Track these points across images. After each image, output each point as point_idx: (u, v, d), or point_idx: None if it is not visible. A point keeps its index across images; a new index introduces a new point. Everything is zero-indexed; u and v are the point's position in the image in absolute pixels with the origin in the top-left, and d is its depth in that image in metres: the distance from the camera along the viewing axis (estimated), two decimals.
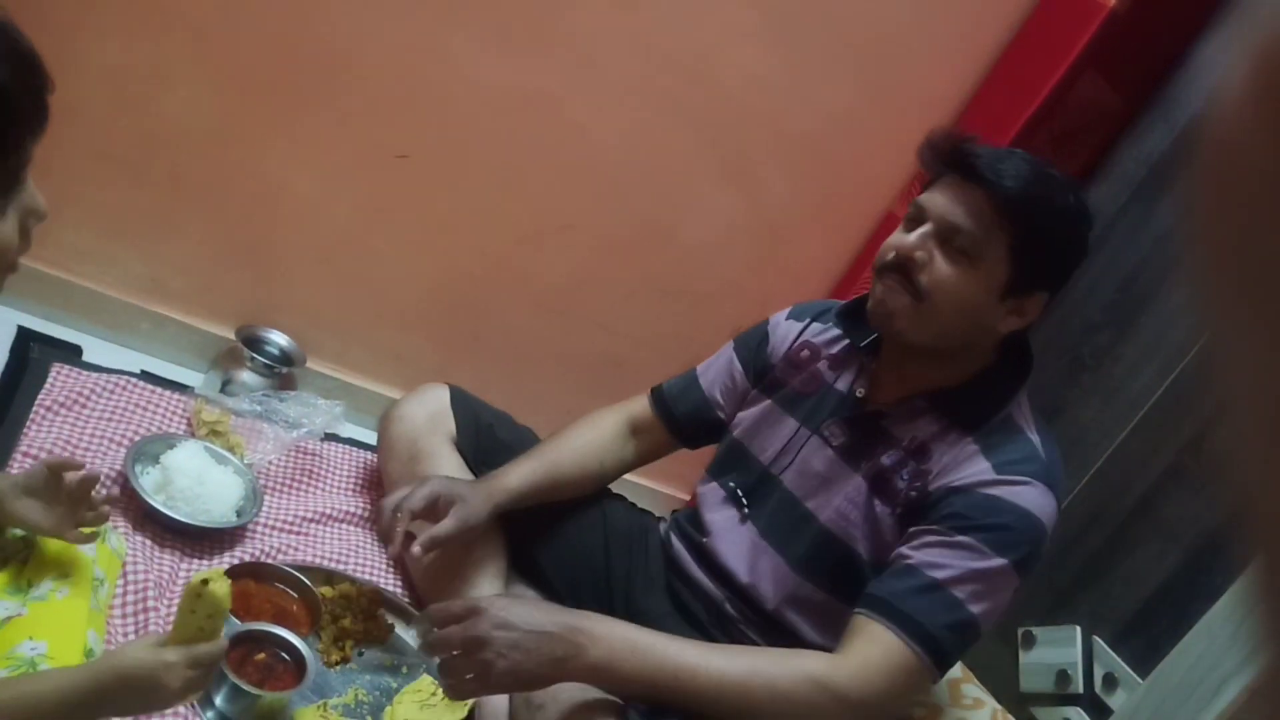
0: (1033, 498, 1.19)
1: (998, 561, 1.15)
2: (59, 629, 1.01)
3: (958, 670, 1.50)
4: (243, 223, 1.80)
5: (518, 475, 1.44)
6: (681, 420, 1.55)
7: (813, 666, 1.15)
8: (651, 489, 2.18)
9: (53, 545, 1.11)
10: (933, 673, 1.15)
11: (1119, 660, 1.50)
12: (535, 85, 1.79)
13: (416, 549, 1.31)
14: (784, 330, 1.50)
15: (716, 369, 1.55)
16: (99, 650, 1.06)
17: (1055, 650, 1.61)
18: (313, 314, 1.91)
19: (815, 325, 1.46)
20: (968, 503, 1.19)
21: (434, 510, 1.36)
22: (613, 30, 1.77)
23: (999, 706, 1.45)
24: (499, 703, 1.32)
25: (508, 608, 1.13)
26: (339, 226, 1.85)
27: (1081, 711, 1.51)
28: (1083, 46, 1.81)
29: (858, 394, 1.34)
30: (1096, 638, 1.56)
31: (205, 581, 0.91)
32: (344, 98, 1.73)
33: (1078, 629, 1.58)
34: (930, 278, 1.21)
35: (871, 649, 1.14)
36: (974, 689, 1.47)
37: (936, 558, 1.17)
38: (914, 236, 1.23)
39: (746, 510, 1.41)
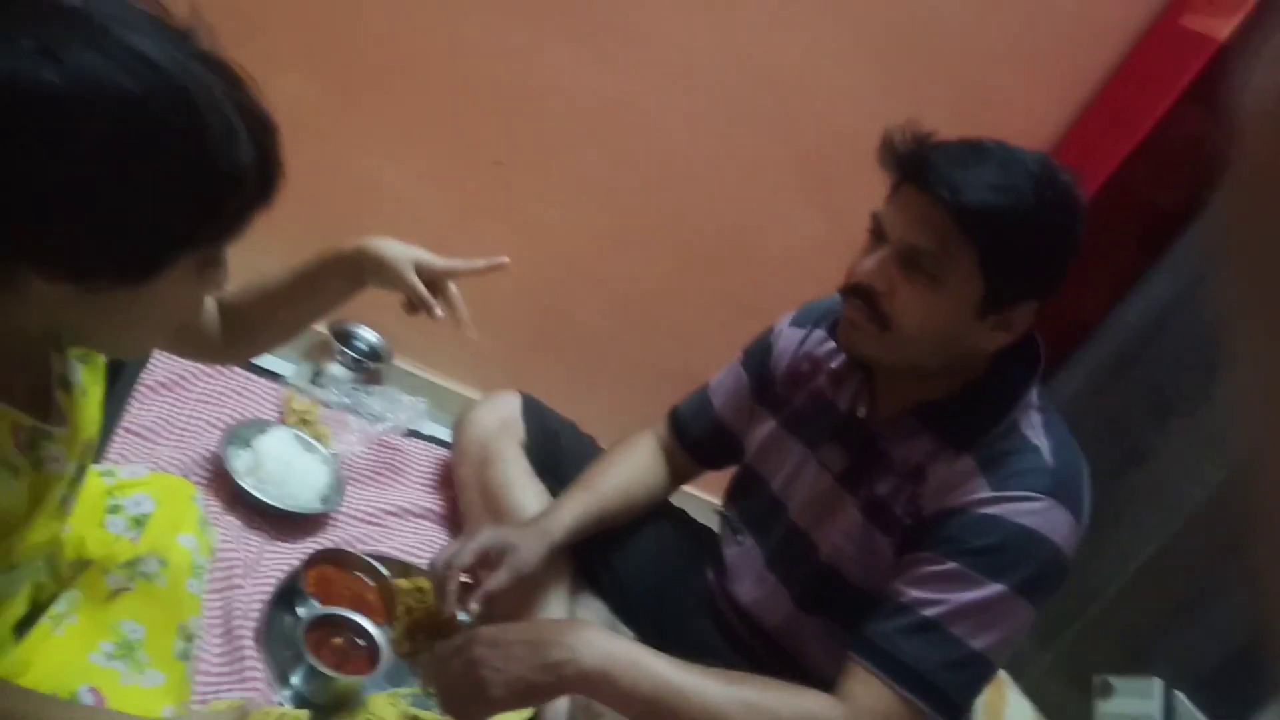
0: (1036, 513, 1.09)
1: (994, 588, 1.07)
2: (159, 616, 1.06)
3: (1030, 715, 1.47)
4: (339, 218, 1.84)
5: (568, 513, 1.40)
6: (698, 445, 1.53)
7: (810, 708, 1.09)
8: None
9: (161, 531, 1.16)
10: (936, 717, 1.08)
11: (1201, 716, 1.45)
12: (627, 96, 1.81)
13: (474, 606, 1.26)
14: (786, 340, 1.43)
15: (726, 387, 1.50)
16: (196, 635, 1.11)
17: (1134, 701, 1.55)
18: (400, 312, 1.95)
19: (817, 333, 1.39)
20: (960, 524, 1.11)
21: (486, 561, 1.30)
22: (706, 42, 1.78)
23: None
24: (558, 709, 1.32)
25: (500, 629, 1.12)
26: (430, 227, 1.88)
27: None
28: (1190, 81, 1.77)
29: (858, 414, 1.27)
30: (1179, 693, 1.50)
31: None
32: (442, 101, 1.78)
33: (1158, 681, 1.53)
34: (893, 305, 1.12)
35: (864, 696, 1.08)
36: None
37: (927, 592, 1.09)
38: (873, 261, 1.13)
39: (740, 540, 1.39)
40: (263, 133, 0.73)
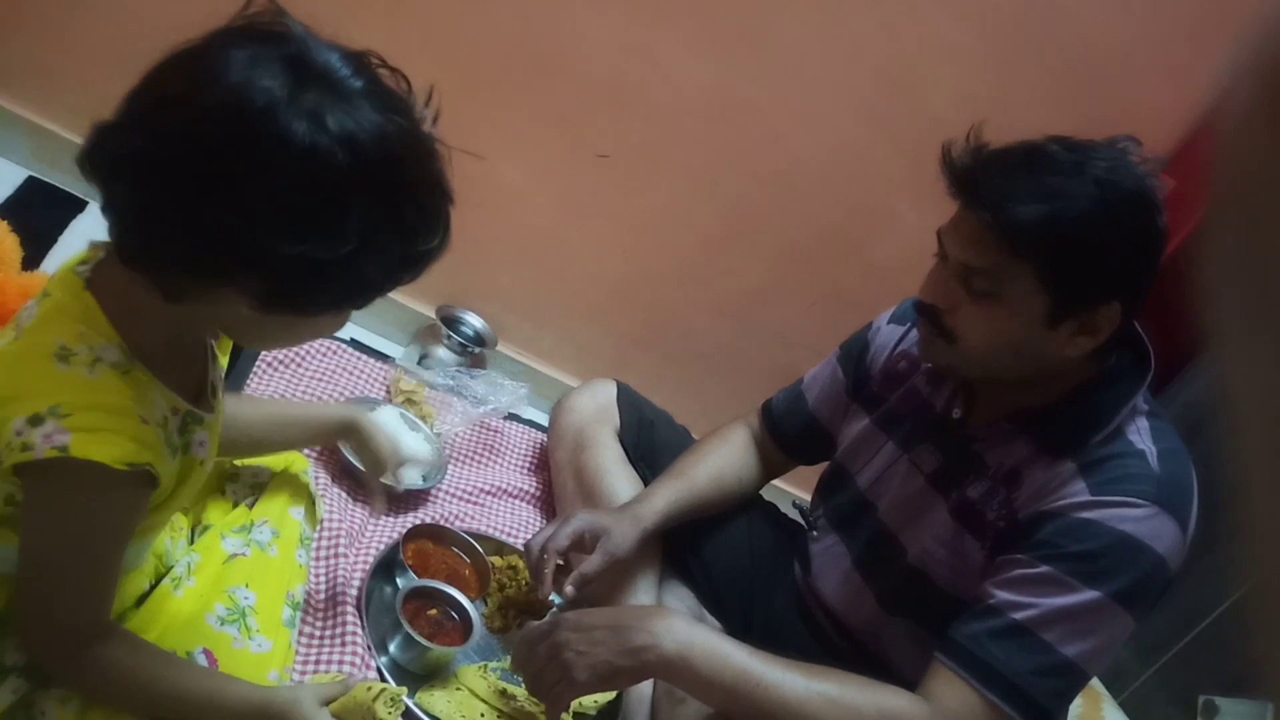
0: (1138, 520, 1.05)
1: (1089, 595, 1.04)
2: (269, 585, 1.13)
3: None
4: (455, 210, 1.91)
5: (661, 499, 1.41)
6: (791, 439, 1.52)
7: (893, 706, 1.07)
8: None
9: (274, 501, 1.24)
10: None
11: None
12: (738, 91, 1.81)
13: (569, 589, 1.28)
14: (885, 336, 1.42)
15: (821, 382, 1.49)
16: (300, 603, 1.18)
17: None
18: (507, 299, 2.01)
19: (915, 331, 1.36)
20: (1056, 528, 1.07)
21: (581, 545, 1.33)
22: (821, 40, 1.77)
23: None
24: (643, 692, 1.34)
25: (584, 613, 1.14)
26: (538, 218, 1.94)
27: None
28: None
29: (954, 415, 1.25)
30: None
31: (383, 705, 0.99)
32: (554, 94, 1.81)
33: (1270, 706, 1.46)
34: (956, 321, 1.12)
35: (949, 698, 1.06)
36: None
37: (1019, 595, 1.07)
38: (936, 279, 1.14)
39: (829, 544, 1.39)
40: (447, 208, 0.81)
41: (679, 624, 1.14)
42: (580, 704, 1.33)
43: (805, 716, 1.07)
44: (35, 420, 0.74)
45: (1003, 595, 1.08)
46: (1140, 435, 1.12)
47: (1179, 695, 1.61)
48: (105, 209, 0.75)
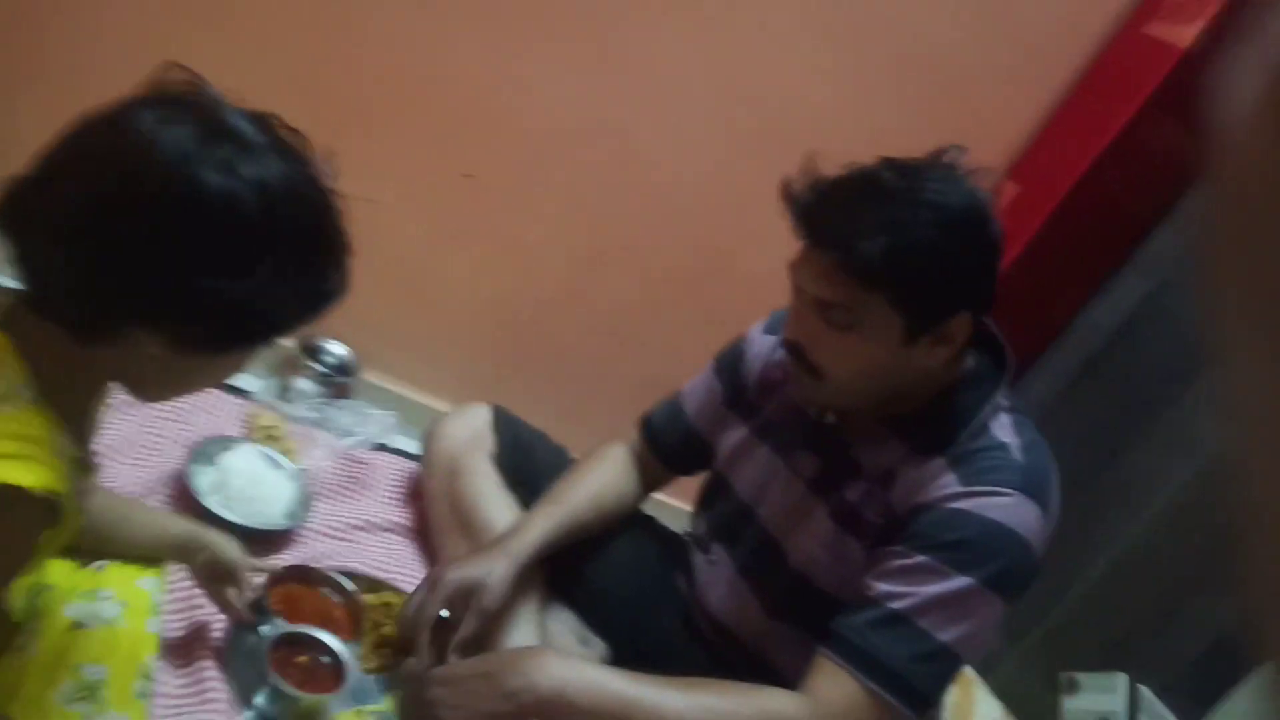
0: (1005, 508, 1.10)
1: (961, 581, 1.08)
2: (119, 657, 1.08)
3: (998, 712, 1.48)
4: None
5: (536, 530, 1.37)
6: (671, 452, 1.53)
7: (773, 705, 1.10)
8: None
9: (122, 570, 1.17)
10: (903, 710, 1.08)
11: (1167, 712, 1.46)
12: (605, 112, 1.81)
13: (453, 658, 1.24)
14: (759, 347, 1.44)
15: (699, 393, 1.51)
16: (153, 672, 1.12)
17: (1099, 698, 1.57)
18: (371, 326, 1.95)
19: None
20: (930, 519, 1.12)
21: (454, 605, 1.28)
22: (684, 61, 1.79)
23: None
24: None
25: (453, 665, 1.16)
26: (403, 242, 1.89)
27: None
28: (1154, 89, 1.78)
29: (829, 420, 1.28)
30: (1144, 688, 1.51)
31: None
32: (414, 118, 1.77)
33: (1124, 677, 1.54)
34: (821, 356, 1.15)
35: (831, 690, 1.09)
36: None
37: (896, 585, 1.11)
38: (796, 315, 1.17)
39: (711, 554, 1.40)
40: (348, 255, 0.87)
41: (552, 661, 1.13)
42: None
43: None
44: None
45: (882, 586, 1.12)
46: (1003, 429, 1.17)
47: (1043, 674, 1.69)
48: (17, 261, 0.78)
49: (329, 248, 0.85)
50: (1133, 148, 1.83)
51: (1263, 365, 0.25)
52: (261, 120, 0.82)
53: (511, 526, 1.41)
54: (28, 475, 0.75)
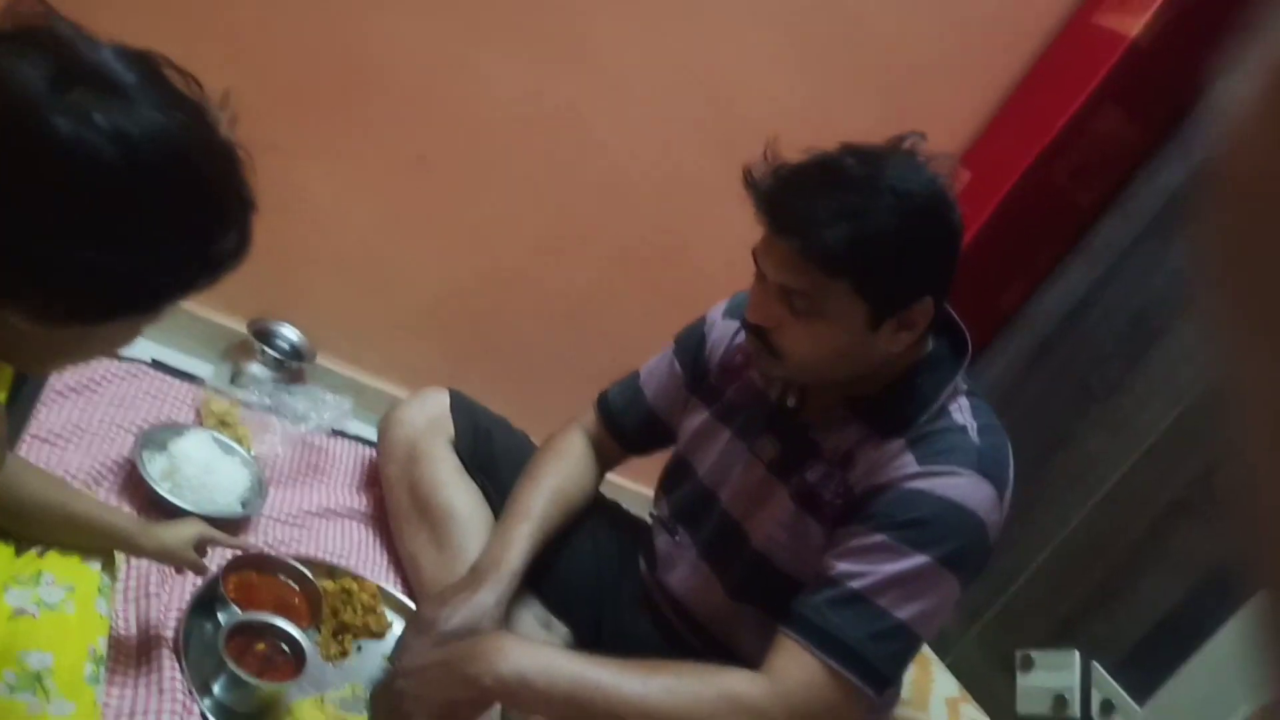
0: (961, 488, 1.11)
1: (918, 559, 1.09)
2: (67, 643, 1.03)
3: (955, 689, 1.50)
4: (259, 218, 1.80)
5: (517, 555, 1.33)
6: (630, 434, 1.52)
7: (733, 685, 1.10)
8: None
9: (67, 554, 1.12)
10: (863, 690, 1.09)
11: (1118, 687, 1.50)
12: (558, 99, 1.80)
13: None
14: (720, 330, 1.43)
15: (659, 376, 1.50)
16: (106, 657, 1.07)
17: (1053, 675, 1.60)
18: (325, 311, 1.92)
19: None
20: (888, 499, 1.13)
21: None
22: (639, 49, 1.79)
23: None
24: (493, 708, 1.31)
25: (413, 657, 1.17)
26: (356, 228, 1.86)
27: None
28: (1102, 78, 1.82)
29: (789, 404, 1.29)
30: (1096, 664, 1.55)
31: None
32: (367, 103, 1.75)
33: (1076, 654, 1.58)
34: (784, 340, 1.15)
35: (791, 669, 1.09)
36: (971, 709, 1.47)
37: (855, 565, 1.11)
38: (758, 299, 1.17)
39: (676, 538, 1.40)
40: (246, 213, 0.77)
41: (511, 646, 1.13)
42: None
43: (647, 713, 1.08)
44: None
45: (841, 566, 1.12)
46: (962, 412, 1.19)
47: (999, 653, 1.72)
48: None
49: (216, 206, 0.74)
50: (1081, 136, 1.87)
51: (1263, 365, 0.26)
52: (138, 59, 0.71)
53: (488, 550, 1.36)
54: None
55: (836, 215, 1.07)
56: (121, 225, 0.69)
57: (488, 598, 1.27)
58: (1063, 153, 1.89)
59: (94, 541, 1.13)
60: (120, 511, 1.22)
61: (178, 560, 1.16)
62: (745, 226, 1.18)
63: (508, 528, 1.38)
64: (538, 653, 1.13)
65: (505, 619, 1.34)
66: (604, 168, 1.89)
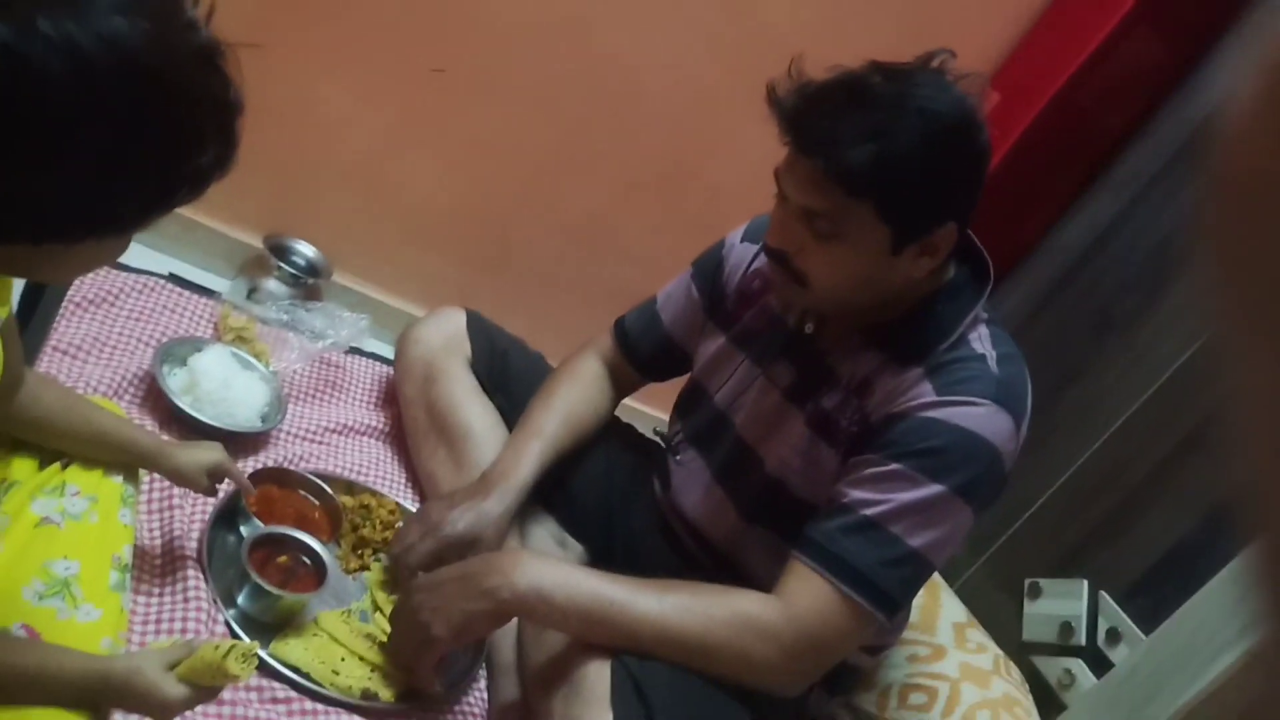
0: (978, 417, 1.11)
1: (933, 489, 1.09)
2: (92, 552, 1.04)
3: (963, 615, 1.53)
4: (273, 131, 1.76)
5: (527, 468, 1.35)
6: (646, 359, 1.52)
7: (746, 606, 1.12)
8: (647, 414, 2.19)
9: (89, 465, 1.13)
10: (873, 614, 1.10)
11: (1124, 616, 1.52)
12: (579, 12, 1.75)
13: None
14: (738, 255, 1.42)
15: (676, 301, 1.49)
16: (129, 565, 1.09)
17: (1061, 603, 1.62)
18: (340, 227, 1.91)
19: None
20: (905, 427, 1.12)
21: (448, 555, 1.25)
22: None
23: (1001, 653, 1.47)
24: (507, 634, 1.34)
25: (437, 571, 1.18)
26: (370, 140, 1.83)
27: (1082, 664, 1.53)
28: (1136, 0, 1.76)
29: (806, 330, 1.27)
30: (1103, 593, 1.57)
31: (234, 662, 0.88)
32: (379, 9, 1.70)
33: (1085, 583, 1.60)
34: (806, 264, 1.13)
35: (803, 593, 1.10)
36: (978, 634, 1.50)
37: (869, 493, 1.11)
38: (780, 222, 1.15)
39: (691, 462, 1.40)
40: (229, 119, 0.72)
41: (529, 561, 1.15)
42: None
43: (661, 629, 1.10)
44: None
45: (855, 494, 1.13)
46: (981, 341, 1.18)
47: (1007, 580, 1.75)
48: None
49: (189, 119, 0.69)
50: (1113, 59, 1.82)
51: (1264, 363, 0.25)
52: None
53: (498, 462, 1.37)
54: None
55: (861, 135, 1.04)
56: (72, 143, 0.63)
57: (495, 507, 1.29)
58: (1093, 77, 1.83)
59: (114, 456, 1.14)
60: (140, 428, 1.23)
61: (189, 484, 1.17)
62: (764, 143, 1.15)
63: (519, 443, 1.39)
64: (555, 568, 1.16)
65: (512, 533, 1.37)
66: (620, 81, 1.84)
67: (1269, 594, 0.27)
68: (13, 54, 0.59)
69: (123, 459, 1.14)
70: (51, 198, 0.65)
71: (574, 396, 1.47)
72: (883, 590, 1.10)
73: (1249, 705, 0.31)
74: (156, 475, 1.27)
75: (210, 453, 1.18)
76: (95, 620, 0.99)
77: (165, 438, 1.30)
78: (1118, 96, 1.88)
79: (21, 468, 1.08)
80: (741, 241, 1.44)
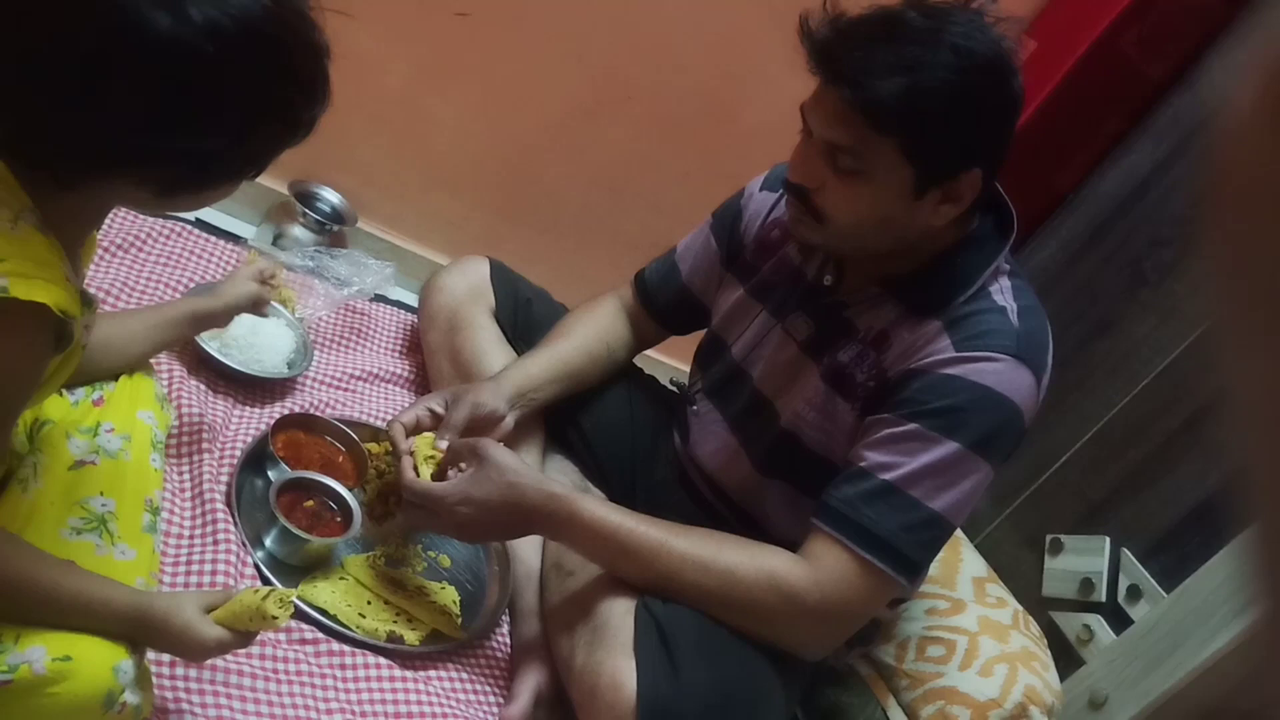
0: (998, 373, 1.09)
1: (951, 447, 1.08)
2: (126, 491, 1.06)
3: (983, 569, 1.53)
4: None
5: (532, 364, 1.40)
6: (665, 310, 1.52)
7: (774, 565, 1.12)
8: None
9: (121, 406, 1.15)
10: (896, 580, 1.11)
11: (1145, 573, 1.51)
12: None
13: (442, 444, 1.23)
14: (757, 204, 1.41)
15: (695, 252, 1.48)
16: (160, 508, 1.11)
17: (1082, 559, 1.62)
18: (365, 173, 1.90)
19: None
20: (922, 385, 1.11)
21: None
22: None
23: (1020, 608, 1.48)
24: (530, 567, 1.36)
25: (487, 493, 1.15)
26: (395, 84, 1.82)
27: (1102, 620, 1.53)
28: None
29: (825, 282, 1.26)
30: (1125, 550, 1.57)
31: (273, 604, 0.90)
32: None
33: (1106, 539, 1.60)
34: (825, 200, 1.12)
35: (827, 559, 1.11)
36: (998, 589, 1.50)
37: (887, 456, 1.11)
38: (802, 158, 1.13)
39: (708, 414, 1.40)
40: (326, 64, 0.83)
41: (562, 489, 1.18)
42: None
43: (701, 565, 1.12)
44: None
45: (873, 457, 1.12)
46: (1002, 294, 1.16)
47: (1028, 536, 1.75)
48: None
49: (302, 76, 0.80)
50: (1155, 6, 1.76)
51: (1264, 363, 0.25)
52: None
53: (502, 370, 1.42)
54: (47, 294, 0.74)
55: (892, 67, 1.02)
56: (221, 113, 0.76)
57: (483, 386, 1.34)
58: (1135, 21, 1.78)
59: (172, 334, 1.22)
60: (175, 301, 1.32)
61: (251, 302, 1.27)
62: (799, 88, 1.13)
63: (525, 355, 1.45)
64: (594, 502, 1.18)
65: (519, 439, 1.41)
66: (647, 23, 1.81)
67: (1264, 576, 0.27)
68: (171, 39, 0.70)
69: (183, 332, 1.24)
70: (214, 152, 0.78)
71: (589, 324, 1.50)
72: (905, 556, 1.11)
73: (1242, 682, 0.31)
74: (185, 418, 1.29)
75: (245, 272, 1.28)
76: (131, 560, 1.01)
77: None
78: (1159, 44, 1.82)
79: (54, 406, 1.10)
80: (761, 189, 1.42)
